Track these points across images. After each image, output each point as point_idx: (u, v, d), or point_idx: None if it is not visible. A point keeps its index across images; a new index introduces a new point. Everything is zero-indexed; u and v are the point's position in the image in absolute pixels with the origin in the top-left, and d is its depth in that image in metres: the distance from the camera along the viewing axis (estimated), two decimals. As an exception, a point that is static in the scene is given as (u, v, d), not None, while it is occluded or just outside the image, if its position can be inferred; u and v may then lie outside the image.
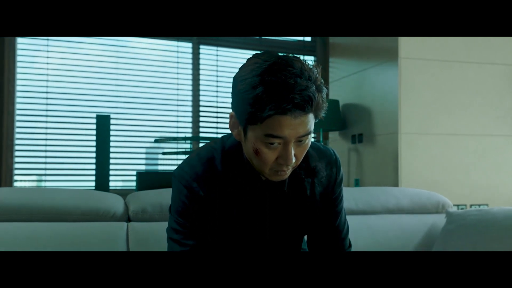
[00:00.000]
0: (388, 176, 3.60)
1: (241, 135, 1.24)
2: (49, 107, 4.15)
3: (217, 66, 4.54)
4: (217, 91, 4.49)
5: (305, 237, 1.52)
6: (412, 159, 3.50)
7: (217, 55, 4.56)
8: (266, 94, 1.11)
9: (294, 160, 1.21)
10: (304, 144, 1.22)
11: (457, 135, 3.59)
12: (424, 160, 3.52)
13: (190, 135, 4.44)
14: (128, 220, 1.91)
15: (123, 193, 2.16)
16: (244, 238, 1.35)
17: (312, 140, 1.33)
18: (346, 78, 4.26)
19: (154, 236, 1.81)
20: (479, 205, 3.57)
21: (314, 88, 1.14)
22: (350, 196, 2.12)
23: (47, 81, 4.16)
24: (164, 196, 1.91)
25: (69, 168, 4.17)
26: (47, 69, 4.14)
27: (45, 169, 4.13)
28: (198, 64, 4.50)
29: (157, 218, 1.89)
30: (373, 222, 2.09)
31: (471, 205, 3.57)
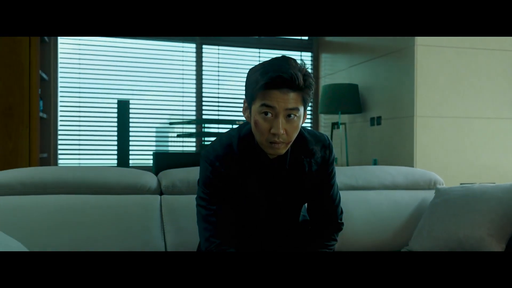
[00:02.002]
0: (404, 157, 3.72)
1: (249, 115, 1.57)
2: (82, 100, 4.73)
3: (218, 62, 4.98)
4: (218, 84, 4.92)
5: (305, 205, 1.81)
6: (427, 141, 3.61)
7: (218, 53, 5.01)
8: (262, 73, 1.48)
9: (284, 133, 1.50)
10: (292, 121, 1.52)
11: (469, 118, 3.68)
12: (438, 141, 3.63)
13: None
14: (161, 193, 2.15)
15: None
16: (254, 205, 1.65)
17: (309, 128, 1.61)
18: (365, 64, 4.35)
19: (183, 206, 2.05)
20: (488, 184, 3.70)
21: (299, 73, 1.48)
22: (352, 174, 2.32)
23: (79, 74, 4.72)
24: (190, 174, 2.15)
25: (96, 149, 4.76)
26: (79, 64, 4.71)
27: (79, 149, 4.69)
28: (201, 61, 4.96)
29: (184, 191, 2.13)
30: (371, 197, 2.28)
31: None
